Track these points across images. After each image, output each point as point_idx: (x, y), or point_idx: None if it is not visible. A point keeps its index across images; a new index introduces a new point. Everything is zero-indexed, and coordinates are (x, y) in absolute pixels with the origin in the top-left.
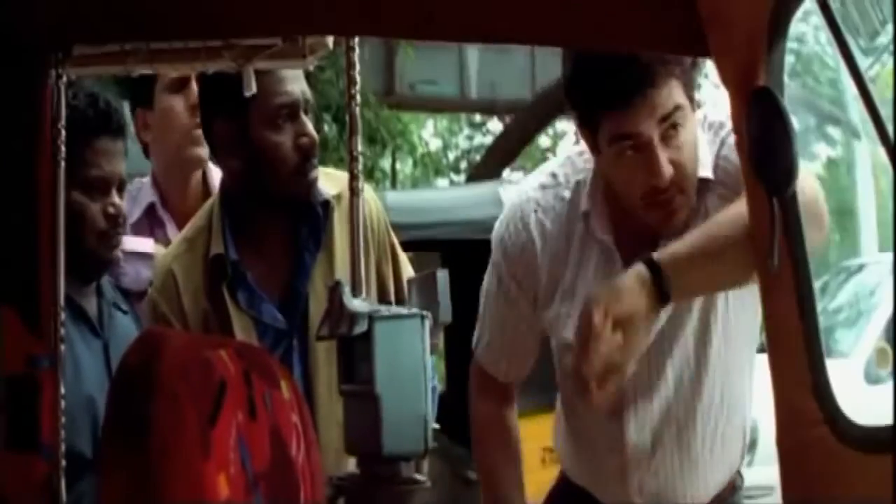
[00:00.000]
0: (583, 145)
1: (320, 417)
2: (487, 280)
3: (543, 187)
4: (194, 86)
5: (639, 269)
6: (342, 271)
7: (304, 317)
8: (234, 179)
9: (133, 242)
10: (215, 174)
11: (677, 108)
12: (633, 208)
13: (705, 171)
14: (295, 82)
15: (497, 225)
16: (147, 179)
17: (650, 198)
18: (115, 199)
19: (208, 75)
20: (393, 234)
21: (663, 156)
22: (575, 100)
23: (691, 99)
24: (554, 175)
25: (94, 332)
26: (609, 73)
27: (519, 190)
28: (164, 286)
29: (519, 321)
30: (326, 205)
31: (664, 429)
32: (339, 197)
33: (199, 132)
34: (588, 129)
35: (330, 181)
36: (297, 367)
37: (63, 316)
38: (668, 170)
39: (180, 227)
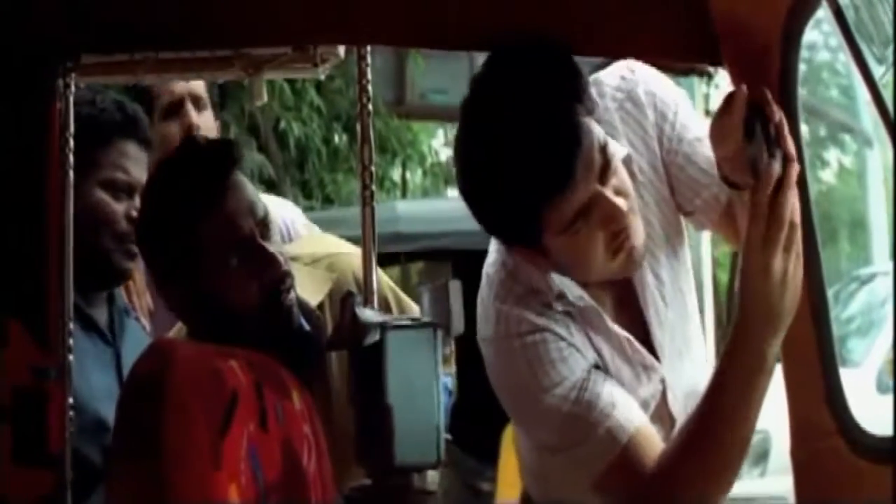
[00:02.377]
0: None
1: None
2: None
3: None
4: (189, 107)
5: None
6: (338, 375)
7: None
8: (203, 334)
9: None
10: None
11: (603, 143)
12: (597, 272)
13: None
14: (243, 211)
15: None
16: None
17: (612, 245)
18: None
19: (143, 235)
20: (389, 289)
21: (613, 196)
22: (509, 216)
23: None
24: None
25: (106, 341)
26: (540, 164)
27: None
28: None
29: None
30: (307, 337)
31: None
32: (322, 305)
33: None
34: (526, 238)
35: (313, 280)
36: None
37: (71, 326)
38: (622, 204)
39: None
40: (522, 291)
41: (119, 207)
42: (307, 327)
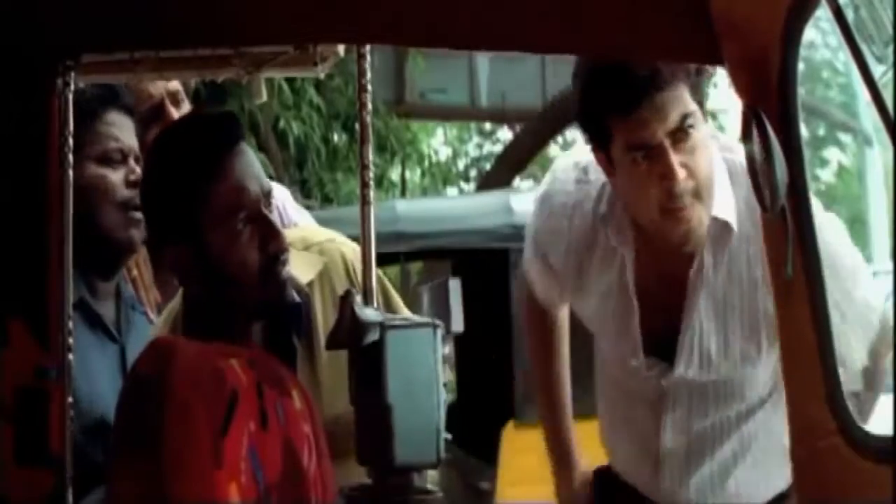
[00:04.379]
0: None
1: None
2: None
3: (578, 182)
4: (170, 108)
5: None
6: (325, 356)
7: None
8: (197, 302)
9: None
10: None
11: (686, 112)
12: (651, 225)
13: (723, 212)
14: (253, 177)
15: (534, 210)
16: None
17: (665, 205)
18: (136, 168)
19: (148, 195)
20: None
21: (675, 159)
22: (587, 112)
23: (700, 104)
24: (585, 171)
25: (111, 338)
26: (616, 79)
27: (554, 179)
28: None
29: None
30: (297, 307)
31: (698, 439)
32: (312, 283)
33: None
34: (602, 145)
35: (305, 262)
36: None
37: (72, 325)
38: (680, 172)
39: None
40: (582, 178)
41: (116, 176)
42: (297, 299)
